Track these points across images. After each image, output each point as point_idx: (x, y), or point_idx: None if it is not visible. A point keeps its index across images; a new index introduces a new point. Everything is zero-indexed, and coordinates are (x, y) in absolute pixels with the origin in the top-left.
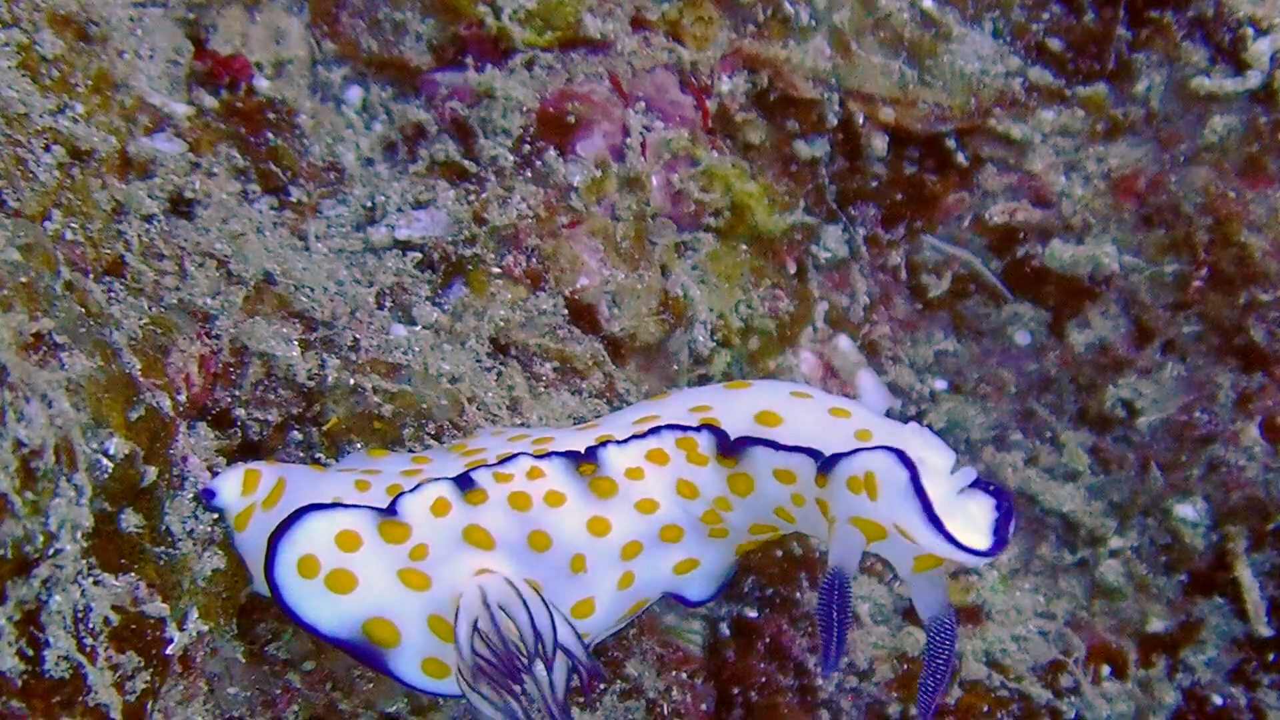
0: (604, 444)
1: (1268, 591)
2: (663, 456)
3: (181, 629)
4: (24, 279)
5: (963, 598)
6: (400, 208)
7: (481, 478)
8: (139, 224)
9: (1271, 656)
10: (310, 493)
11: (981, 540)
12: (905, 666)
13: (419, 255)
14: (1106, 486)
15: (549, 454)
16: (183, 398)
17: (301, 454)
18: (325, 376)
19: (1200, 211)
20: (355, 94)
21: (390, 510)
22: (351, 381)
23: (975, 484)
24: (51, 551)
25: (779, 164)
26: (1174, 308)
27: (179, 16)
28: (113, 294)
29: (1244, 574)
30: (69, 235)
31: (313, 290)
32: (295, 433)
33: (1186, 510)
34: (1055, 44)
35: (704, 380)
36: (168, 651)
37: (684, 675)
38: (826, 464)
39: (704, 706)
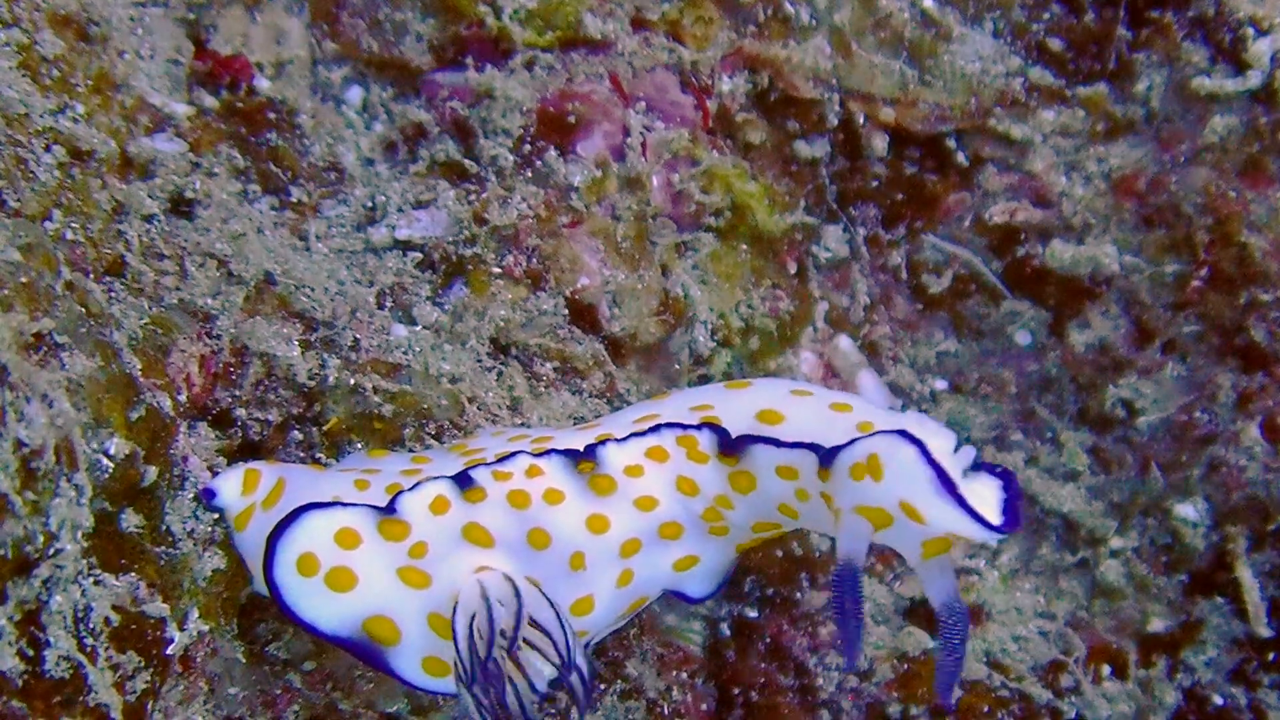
0: (603, 442)
1: (1268, 592)
2: (662, 454)
3: (182, 629)
4: (24, 279)
5: (963, 598)
6: (401, 208)
7: (480, 476)
8: (139, 224)
9: (1272, 656)
10: (310, 492)
11: (994, 516)
12: (905, 666)
13: (419, 255)
14: (1107, 487)
15: (548, 452)
16: (183, 398)
17: (302, 454)
18: (326, 376)
19: (1200, 211)
20: (356, 94)
21: (389, 508)
22: (352, 381)
23: (980, 467)
24: (52, 551)
25: (779, 164)
26: (1174, 308)
27: (179, 16)
28: (113, 294)
29: (1244, 574)
30: (69, 235)
31: (313, 290)
32: (296, 433)
33: (1187, 510)
34: (1056, 44)
35: (704, 380)
36: (168, 651)
37: (684, 675)
38: (827, 456)
39: (704, 706)
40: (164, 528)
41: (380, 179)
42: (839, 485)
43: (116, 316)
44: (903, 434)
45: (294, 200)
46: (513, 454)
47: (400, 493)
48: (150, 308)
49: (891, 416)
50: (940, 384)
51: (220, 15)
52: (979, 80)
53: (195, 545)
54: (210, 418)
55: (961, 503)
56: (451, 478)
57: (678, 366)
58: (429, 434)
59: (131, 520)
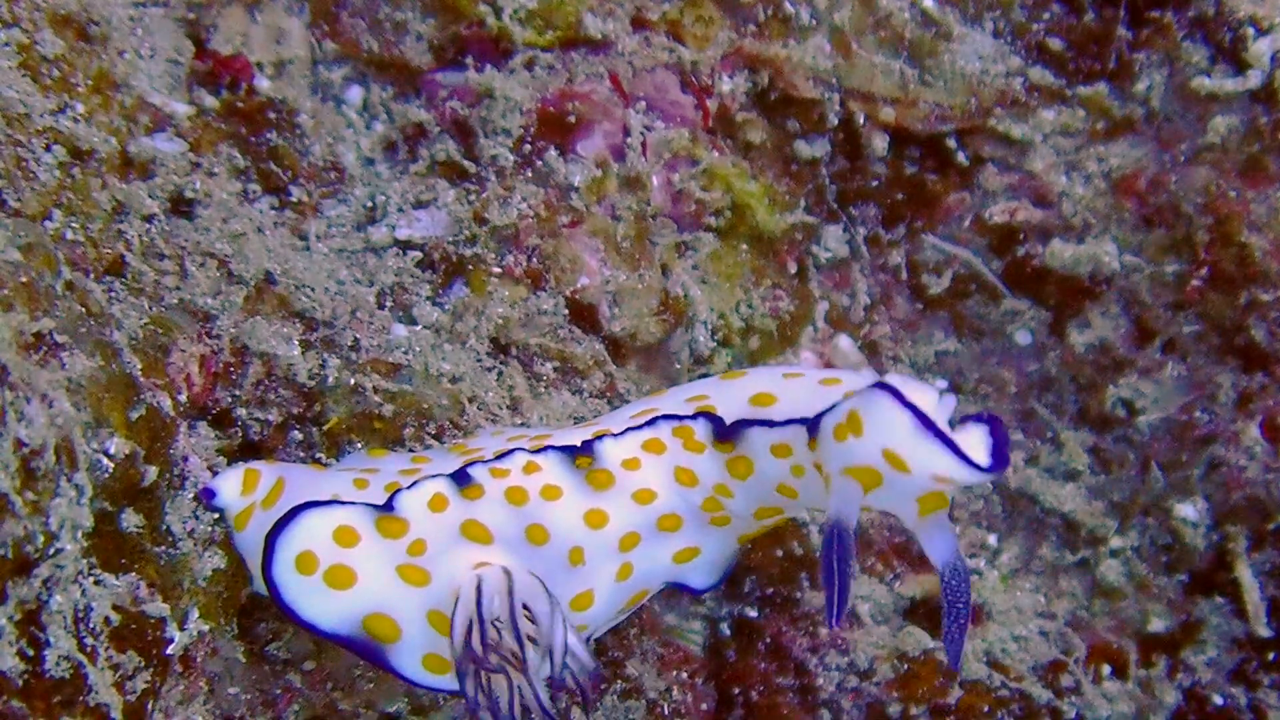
0: (599, 437)
1: (1268, 591)
2: (659, 446)
3: (182, 629)
4: (25, 279)
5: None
6: (401, 207)
7: (478, 473)
8: (139, 224)
9: (1272, 656)
10: (309, 492)
11: (981, 457)
12: (905, 667)
13: (419, 255)
14: (1107, 486)
15: (545, 448)
16: (183, 397)
17: (302, 454)
18: (326, 376)
19: (1201, 211)
20: (356, 94)
21: (387, 506)
22: (352, 381)
23: (966, 419)
24: (52, 551)
25: (779, 164)
26: (1174, 307)
27: (179, 16)
28: (113, 294)
29: (1244, 574)
30: (70, 235)
31: (313, 290)
32: (296, 432)
33: (1187, 510)
34: (1056, 44)
35: None
36: (168, 651)
37: (684, 675)
38: (813, 425)
39: (704, 706)
40: (164, 527)
41: (380, 179)
42: (826, 450)
43: (117, 316)
44: (878, 385)
45: (294, 200)
46: (510, 451)
47: (398, 491)
48: (150, 307)
49: (875, 378)
50: (940, 384)
51: (220, 15)
52: (979, 80)
53: (195, 545)
54: (210, 417)
55: (943, 440)
56: (449, 475)
57: (678, 366)
58: (429, 434)
59: (131, 520)
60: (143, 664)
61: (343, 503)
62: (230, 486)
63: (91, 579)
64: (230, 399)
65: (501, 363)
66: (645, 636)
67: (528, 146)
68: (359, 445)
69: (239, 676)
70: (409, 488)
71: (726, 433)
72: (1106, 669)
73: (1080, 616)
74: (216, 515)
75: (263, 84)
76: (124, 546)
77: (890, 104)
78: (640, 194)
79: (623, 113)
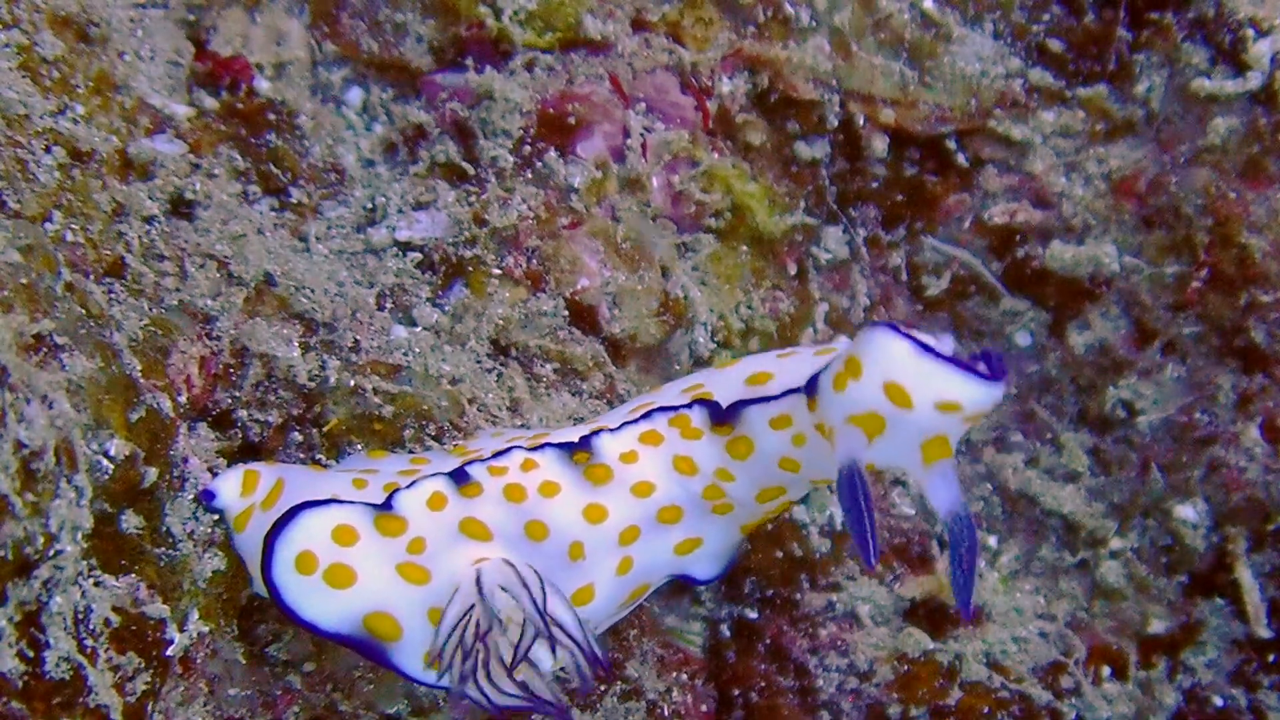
0: (596, 432)
1: (1268, 593)
2: (656, 438)
3: (182, 630)
4: (25, 280)
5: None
6: (400, 209)
7: (476, 471)
8: (139, 225)
9: (1272, 658)
10: (308, 492)
11: (982, 371)
12: (905, 668)
13: (419, 256)
14: (1107, 488)
15: (542, 445)
16: (183, 399)
17: (302, 455)
18: (326, 378)
19: (1201, 213)
20: (356, 95)
21: (386, 505)
22: (352, 383)
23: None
24: (52, 553)
25: (779, 165)
26: (1174, 309)
27: (179, 18)
28: (113, 295)
29: (1244, 575)
30: (69, 236)
31: (313, 291)
32: (296, 434)
33: (1187, 511)
34: (1056, 45)
35: None
36: (168, 653)
37: (684, 676)
38: (810, 385)
39: (704, 708)
40: (164, 529)
41: (380, 180)
42: (826, 405)
43: (116, 318)
44: (871, 325)
45: (294, 201)
46: (508, 449)
47: (397, 490)
48: (150, 309)
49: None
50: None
51: (220, 16)
52: (979, 81)
53: (195, 546)
54: (210, 419)
55: (943, 359)
56: (447, 474)
57: (678, 368)
58: (429, 435)
59: (131, 521)
60: (143, 665)
61: (341, 502)
62: (230, 488)
63: (91, 580)
64: (230, 400)
65: (501, 364)
66: (645, 638)
67: (528, 148)
68: (359, 447)
69: (239, 678)
70: (408, 487)
71: (724, 415)
72: (1106, 670)
73: (1080, 618)
74: (216, 517)
75: (263, 85)
76: (124, 548)
77: (890, 105)
78: (640, 195)
79: (623, 114)
